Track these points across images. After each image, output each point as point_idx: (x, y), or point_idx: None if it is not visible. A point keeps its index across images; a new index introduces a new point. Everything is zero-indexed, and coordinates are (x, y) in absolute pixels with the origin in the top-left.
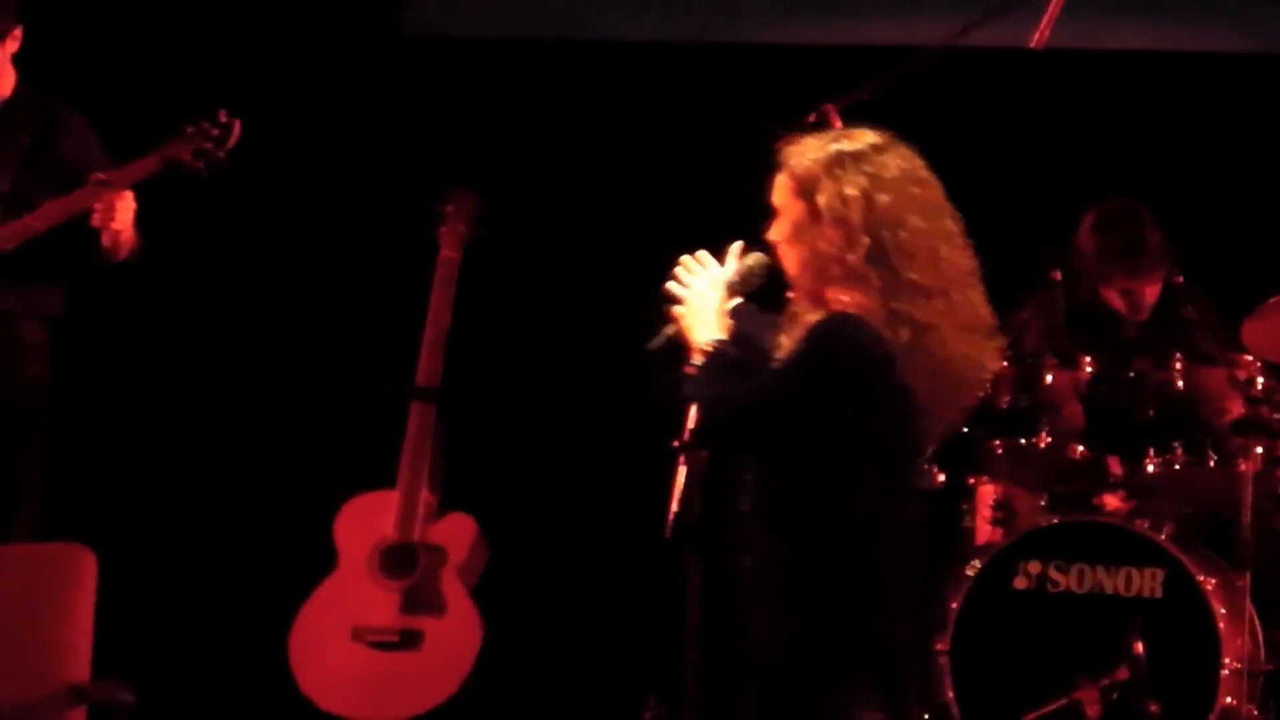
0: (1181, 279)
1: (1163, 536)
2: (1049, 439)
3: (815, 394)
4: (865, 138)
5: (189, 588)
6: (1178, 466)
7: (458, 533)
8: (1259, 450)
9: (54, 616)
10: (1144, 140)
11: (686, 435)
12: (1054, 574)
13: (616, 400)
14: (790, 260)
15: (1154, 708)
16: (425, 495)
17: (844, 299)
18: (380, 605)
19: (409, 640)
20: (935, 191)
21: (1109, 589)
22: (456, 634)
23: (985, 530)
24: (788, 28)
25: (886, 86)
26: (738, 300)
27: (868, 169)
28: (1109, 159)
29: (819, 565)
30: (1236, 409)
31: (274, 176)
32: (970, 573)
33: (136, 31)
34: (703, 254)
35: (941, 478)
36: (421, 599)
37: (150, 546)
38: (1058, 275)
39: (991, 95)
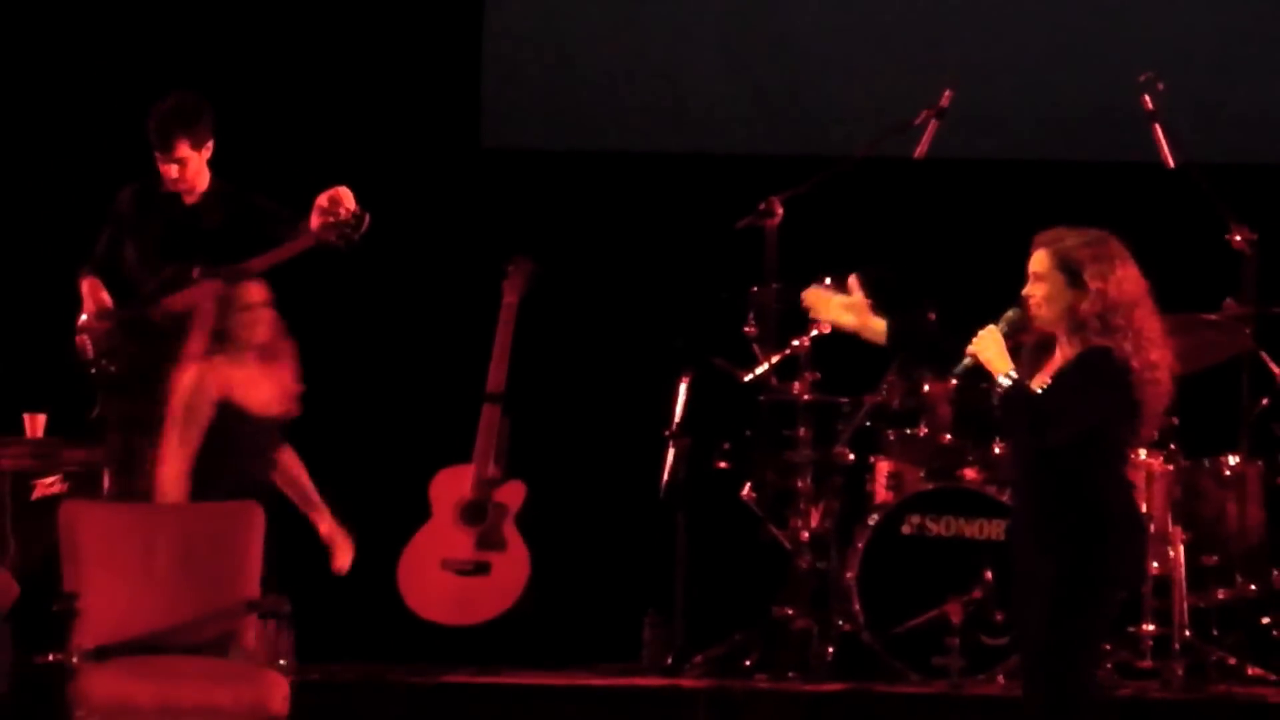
0: None
1: (1005, 498)
2: (927, 430)
3: (1087, 399)
4: (1097, 233)
5: None
6: None
7: (515, 494)
8: None
9: (235, 551)
10: (1001, 225)
11: (674, 426)
12: (930, 524)
13: (626, 402)
14: (1050, 312)
15: (999, 617)
16: (492, 468)
17: (1096, 342)
18: (461, 544)
19: (481, 569)
20: (1137, 269)
21: (968, 534)
22: (513, 565)
23: (882, 493)
24: (752, 141)
25: (817, 184)
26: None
27: (1109, 254)
28: (967, 234)
29: (1079, 515)
30: None
31: (392, 247)
32: (871, 523)
33: (296, 149)
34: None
35: (851, 457)
36: (490, 540)
37: None
38: (932, 316)
39: (890, 193)
